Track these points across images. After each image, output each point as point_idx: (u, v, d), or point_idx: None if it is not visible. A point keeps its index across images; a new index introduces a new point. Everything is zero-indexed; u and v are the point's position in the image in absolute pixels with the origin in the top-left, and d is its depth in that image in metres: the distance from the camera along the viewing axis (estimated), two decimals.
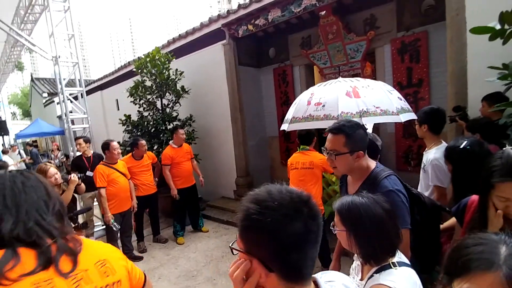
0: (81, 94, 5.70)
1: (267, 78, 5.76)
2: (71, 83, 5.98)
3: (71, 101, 5.70)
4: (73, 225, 2.52)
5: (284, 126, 2.57)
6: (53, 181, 3.00)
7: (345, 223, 1.16)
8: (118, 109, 9.21)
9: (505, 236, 0.63)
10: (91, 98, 8.45)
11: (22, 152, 12.49)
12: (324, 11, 4.19)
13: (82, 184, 3.56)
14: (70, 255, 0.80)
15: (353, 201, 1.16)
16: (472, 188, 1.48)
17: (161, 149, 5.06)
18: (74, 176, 3.23)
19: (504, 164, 1.08)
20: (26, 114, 34.10)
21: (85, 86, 6.04)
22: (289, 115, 2.38)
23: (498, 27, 1.94)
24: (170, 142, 4.47)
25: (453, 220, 1.54)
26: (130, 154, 4.21)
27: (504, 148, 1.17)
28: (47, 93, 17.37)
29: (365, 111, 1.99)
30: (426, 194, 2.17)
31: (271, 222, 0.62)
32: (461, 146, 1.67)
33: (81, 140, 4.38)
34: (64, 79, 5.37)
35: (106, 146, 3.75)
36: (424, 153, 2.34)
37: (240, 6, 4.73)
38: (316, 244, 0.67)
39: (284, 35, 5.30)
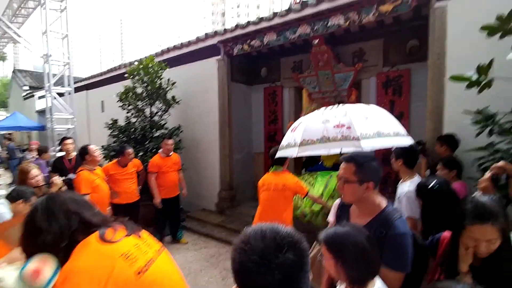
0: (69, 93, 5.60)
1: (257, 96, 5.92)
2: (57, 80, 5.86)
3: (55, 98, 5.55)
4: None
5: (291, 151, 2.21)
6: (34, 183, 2.91)
7: (332, 251, 1.21)
8: (103, 111, 9.04)
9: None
10: (75, 97, 8.27)
11: None
12: (317, 40, 4.41)
13: (64, 188, 3.45)
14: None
15: (336, 231, 1.24)
16: (439, 223, 1.63)
17: (145, 157, 5.02)
18: (56, 179, 3.13)
19: (473, 209, 1.23)
20: (2, 105, 32.51)
21: (67, 85, 5.92)
22: (293, 139, 2.19)
23: (475, 77, 2.16)
24: (159, 151, 4.47)
25: None
26: (115, 160, 4.13)
27: (474, 194, 1.33)
28: (28, 86, 16.75)
29: (380, 132, 1.96)
30: None
31: (238, 264, 0.65)
32: (430, 186, 1.85)
33: (70, 141, 4.29)
34: (53, 76, 5.27)
35: (84, 151, 3.59)
36: (399, 184, 2.51)
37: (237, 26, 4.90)
38: None
39: (277, 57, 5.51)
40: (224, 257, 4.13)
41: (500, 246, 1.21)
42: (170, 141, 4.41)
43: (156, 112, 5.56)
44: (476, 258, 1.26)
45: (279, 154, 2.38)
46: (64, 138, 4.41)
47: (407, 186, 2.34)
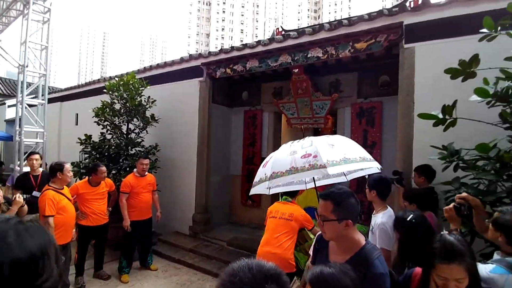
0: (42, 105, 5.38)
1: (237, 118, 6.00)
2: (32, 91, 5.62)
3: (26, 107, 5.27)
4: None
5: (262, 186, 2.27)
6: None
7: None
8: (77, 124, 8.72)
9: None
10: (48, 108, 7.94)
11: None
12: (297, 69, 4.63)
13: (25, 206, 3.17)
14: None
15: (323, 272, 1.19)
16: (415, 256, 1.67)
17: (119, 176, 4.84)
18: (19, 197, 2.92)
19: (442, 248, 1.28)
20: None
21: (41, 97, 5.70)
22: (264, 174, 2.22)
23: (440, 116, 2.34)
24: (134, 170, 4.27)
25: None
26: (86, 179, 3.92)
27: (441, 233, 1.39)
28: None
29: (346, 157, 1.99)
30: None
31: None
32: (408, 219, 1.92)
33: (37, 157, 4.04)
34: (28, 85, 5.06)
35: (59, 167, 3.34)
36: (372, 216, 2.58)
37: (222, 50, 5.04)
38: None
39: (258, 82, 5.68)
40: (196, 286, 3.96)
41: (468, 286, 1.25)
42: (146, 161, 4.25)
43: (133, 130, 5.44)
44: None
45: (252, 191, 2.38)
46: (32, 153, 4.17)
47: (380, 218, 2.41)
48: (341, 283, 1.16)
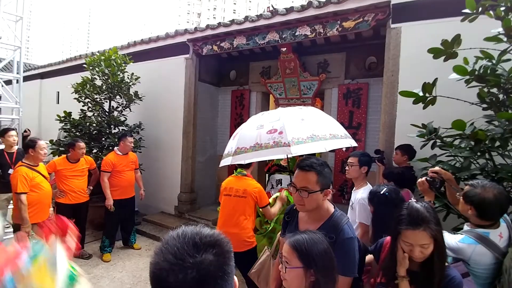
0: (17, 80, 5.13)
1: (225, 98, 5.90)
2: (7, 66, 5.34)
3: (2, 85, 5.03)
4: None
5: (227, 161, 2.10)
6: None
7: (304, 259, 1.16)
8: (58, 103, 8.43)
9: None
10: (27, 85, 7.60)
11: None
12: (285, 48, 4.54)
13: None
14: None
15: (311, 238, 1.20)
16: (388, 228, 1.72)
17: (100, 154, 4.73)
18: None
19: (408, 215, 1.32)
20: None
21: (24, 72, 5.44)
22: (230, 148, 2.09)
23: (421, 94, 2.37)
24: (115, 148, 4.16)
25: (370, 257, 1.75)
26: (64, 155, 3.81)
27: (409, 201, 1.42)
28: None
29: (314, 135, 1.86)
30: None
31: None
32: (381, 192, 1.96)
33: (14, 133, 3.88)
34: (1, 60, 4.80)
35: (32, 144, 3.25)
36: (353, 192, 2.62)
37: (208, 26, 4.86)
38: None
39: (246, 61, 5.56)
40: None
41: (433, 252, 1.29)
42: (131, 139, 4.16)
43: (116, 108, 5.28)
44: (414, 263, 1.34)
45: (222, 162, 2.22)
46: (6, 130, 3.96)
47: (360, 193, 2.45)
48: (325, 248, 1.19)
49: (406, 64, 3.45)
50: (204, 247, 0.65)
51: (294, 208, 1.64)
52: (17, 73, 5.07)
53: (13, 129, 4.02)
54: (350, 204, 2.56)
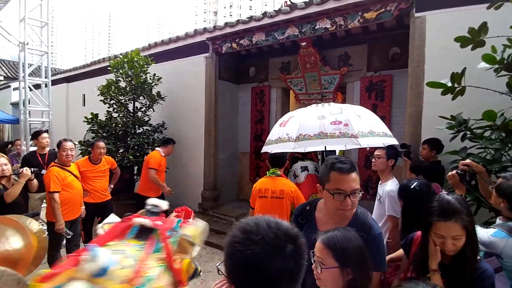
0: (46, 84, 5.40)
1: (244, 95, 5.93)
2: (35, 71, 5.61)
3: (31, 89, 5.28)
4: None
5: (287, 146, 2.12)
6: (4, 172, 2.76)
7: (340, 258, 1.11)
8: (84, 105, 8.78)
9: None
10: (54, 89, 7.95)
11: None
12: (305, 43, 4.48)
13: (35, 181, 3.24)
14: None
15: (345, 235, 1.16)
16: (419, 224, 1.69)
17: (126, 153, 4.90)
18: (26, 170, 2.98)
19: (439, 206, 1.29)
20: None
21: (51, 76, 5.70)
22: (285, 134, 2.12)
23: (449, 84, 2.28)
24: (159, 149, 4.46)
25: (400, 251, 1.72)
26: (86, 157, 3.95)
27: (440, 193, 1.38)
28: (3, 76, 15.96)
29: (373, 131, 1.99)
30: (380, 223, 2.39)
31: (248, 256, 0.63)
32: (412, 187, 1.91)
33: (46, 135, 4.04)
34: (29, 65, 5.05)
35: (57, 144, 3.38)
36: (379, 185, 2.57)
37: (227, 24, 4.89)
38: (293, 285, 0.67)
39: (265, 57, 5.55)
40: (205, 259, 4.07)
41: (465, 244, 1.26)
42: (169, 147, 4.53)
43: (140, 108, 5.45)
44: (446, 256, 1.31)
45: (266, 148, 2.30)
46: (39, 132, 4.12)
47: (388, 186, 2.41)
48: (361, 246, 1.16)
49: (431, 54, 3.35)
50: (291, 237, 0.68)
51: (308, 208, 1.60)
52: (45, 77, 5.32)
53: (45, 132, 4.20)
54: (378, 197, 2.51)
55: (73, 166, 3.52)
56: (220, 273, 0.74)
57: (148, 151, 5.17)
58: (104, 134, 5.03)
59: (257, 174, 5.77)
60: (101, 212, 3.93)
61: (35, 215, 3.19)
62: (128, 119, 5.24)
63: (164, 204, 1.36)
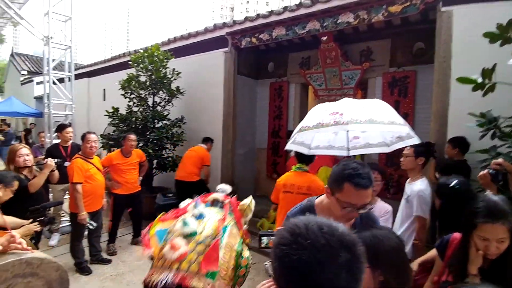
0: (69, 78, 5.55)
1: (263, 90, 5.90)
2: (58, 65, 5.73)
3: (54, 83, 5.43)
4: (39, 219, 2.31)
5: (290, 140, 2.48)
6: (21, 162, 2.81)
7: (370, 258, 1.01)
8: (104, 99, 9.01)
9: None
10: (76, 84, 8.14)
11: None
12: (326, 37, 4.40)
13: (57, 172, 3.34)
14: None
15: (377, 235, 1.10)
16: (456, 224, 1.60)
17: (146, 147, 4.99)
18: (50, 161, 3.06)
19: (485, 207, 1.22)
20: None
21: (67, 70, 5.84)
22: (297, 129, 2.35)
23: (480, 80, 2.18)
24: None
25: (431, 253, 1.66)
26: (118, 150, 4.07)
27: (486, 192, 1.32)
28: (27, 71, 16.56)
29: (373, 119, 1.99)
30: (407, 224, 2.33)
31: (296, 262, 0.58)
32: (451, 185, 1.83)
33: (69, 129, 4.16)
34: (53, 60, 5.20)
35: (82, 137, 3.49)
36: (407, 184, 2.49)
37: (247, 18, 4.87)
38: None
39: (285, 52, 5.49)
40: None
41: (508, 247, 1.20)
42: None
43: (159, 103, 5.52)
44: (485, 260, 1.25)
45: (288, 147, 2.49)
46: (63, 126, 4.25)
47: (418, 185, 2.32)
48: (395, 245, 1.11)
49: (458, 50, 3.23)
50: (347, 245, 0.60)
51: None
52: (69, 71, 5.46)
53: (69, 126, 4.30)
54: (405, 197, 2.43)
55: (95, 159, 3.61)
56: (268, 273, 0.72)
57: (167, 145, 5.26)
58: (124, 128, 5.13)
59: (274, 171, 5.75)
60: (132, 203, 4.10)
61: (59, 204, 3.27)
62: (147, 113, 5.33)
63: (229, 188, 1.85)
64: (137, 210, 4.21)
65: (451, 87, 3.26)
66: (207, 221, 1.40)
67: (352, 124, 1.95)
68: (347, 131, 2.01)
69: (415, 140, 2.22)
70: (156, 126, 5.30)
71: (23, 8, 6.49)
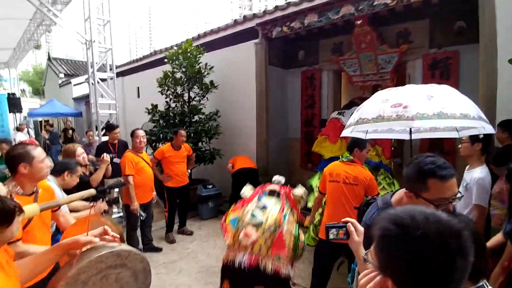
0: (111, 78, 5.86)
1: (294, 80, 5.85)
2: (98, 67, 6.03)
3: (99, 82, 5.75)
4: (105, 199, 2.53)
5: (347, 131, 2.32)
6: (82, 160, 3.09)
7: None
8: (139, 97, 9.37)
9: None
10: (107, 83, 8.62)
11: (30, 131, 12.31)
12: (360, 21, 4.27)
13: (110, 166, 3.59)
14: None
15: (460, 220, 1.11)
16: None
17: (186, 142, 5.17)
18: (106, 156, 3.34)
19: None
20: (36, 92, 34.36)
21: (109, 71, 6.14)
22: (353, 119, 2.21)
23: None
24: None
25: (497, 238, 1.62)
26: (169, 143, 4.34)
27: None
28: (64, 74, 17.57)
29: (442, 112, 1.80)
30: (465, 212, 2.25)
31: (411, 253, 0.60)
32: None
33: (118, 130, 4.54)
34: (96, 63, 5.50)
35: (131, 133, 3.76)
36: (466, 171, 2.41)
37: (277, 8, 4.83)
38: (461, 283, 0.61)
39: (315, 39, 5.38)
40: None
41: None
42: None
43: (194, 98, 5.68)
44: None
45: (344, 133, 2.41)
46: (113, 126, 4.61)
47: (478, 173, 2.25)
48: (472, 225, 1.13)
49: (505, 28, 2.96)
50: (456, 232, 0.62)
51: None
52: (110, 72, 5.76)
53: (117, 126, 4.68)
54: (463, 184, 2.35)
55: (144, 154, 3.85)
56: (368, 262, 0.73)
57: (203, 138, 5.42)
58: (163, 123, 5.36)
59: (308, 160, 5.75)
60: (181, 195, 4.37)
61: (123, 185, 3.51)
62: (184, 108, 5.51)
63: (283, 179, 2.09)
64: (184, 201, 4.50)
65: (498, 68, 3.03)
66: (269, 212, 1.76)
67: (418, 120, 1.78)
68: (413, 127, 1.84)
69: (489, 130, 2.04)
70: (193, 120, 5.47)
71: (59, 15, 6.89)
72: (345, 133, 2.38)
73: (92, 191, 1.64)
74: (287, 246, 1.72)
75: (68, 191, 2.41)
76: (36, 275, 1.10)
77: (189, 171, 4.52)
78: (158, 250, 3.96)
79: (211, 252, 3.98)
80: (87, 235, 1.11)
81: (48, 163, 1.79)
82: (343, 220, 1.26)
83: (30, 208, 1.21)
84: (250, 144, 5.61)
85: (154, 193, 3.94)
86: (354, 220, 1.23)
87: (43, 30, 9.75)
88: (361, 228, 1.21)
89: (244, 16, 5.39)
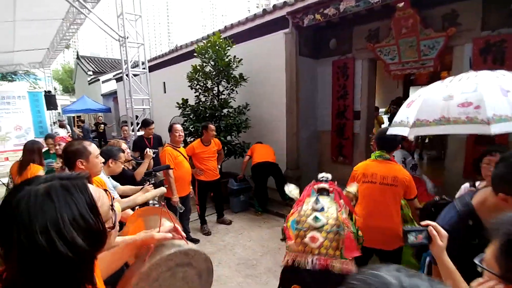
0: (144, 74, 5.93)
1: (325, 70, 5.61)
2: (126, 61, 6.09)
3: (133, 77, 5.84)
4: (152, 181, 2.59)
5: (401, 131, 1.93)
6: (127, 156, 3.16)
7: None
8: (165, 92, 9.46)
9: None
10: (139, 79, 8.75)
11: (68, 127, 13.00)
12: (403, 3, 3.97)
13: (151, 160, 3.66)
14: None
15: None
16: None
17: (217, 136, 5.12)
18: (149, 151, 3.41)
19: None
20: (66, 90, 35.93)
21: (135, 67, 6.21)
22: (406, 117, 1.90)
23: None
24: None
25: None
26: (199, 139, 4.33)
27: None
28: (92, 71, 18.17)
29: None
30: None
31: None
32: None
33: (153, 126, 4.69)
34: (131, 61, 5.56)
35: (169, 127, 3.84)
36: None
37: None
38: None
39: (348, 26, 5.11)
40: None
41: None
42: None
43: (222, 91, 5.60)
44: None
45: (390, 130, 2.10)
46: (148, 122, 4.74)
47: None
48: None
49: None
50: None
51: (472, 224, 1.30)
52: (143, 68, 5.81)
53: (153, 122, 4.80)
54: None
55: (182, 149, 3.89)
56: (481, 269, 0.68)
57: (233, 132, 5.36)
58: (194, 118, 5.33)
59: (339, 154, 5.55)
60: (213, 189, 4.47)
61: (168, 168, 3.54)
62: (214, 102, 5.45)
63: (330, 176, 2.02)
64: (218, 194, 4.62)
65: None
66: (327, 212, 1.74)
67: (496, 123, 1.47)
68: (490, 134, 1.48)
69: None
70: (223, 114, 5.41)
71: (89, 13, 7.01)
72: (396, 131, 2.02)
73: (163, 189, 1.79)
74: (356, 246, 1.70)
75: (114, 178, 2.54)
76: (109, 273, 1.06)
77: (219, 166, 4.51)
78: (196, 241, 4.03)
79: (247, 245, 4.01)
80: (159, 231, 1.10)
81: (101, 158, 1.82)
82: (422, 223, 1.19)
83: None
84: (279, 137, 5.48)
85: (191, 187, 4.00)
86: (435, 224, 1.17)
87: (74, 29, 10.05)
88: (444, 232, 1.14)
89: (273, 5, 5.20)
